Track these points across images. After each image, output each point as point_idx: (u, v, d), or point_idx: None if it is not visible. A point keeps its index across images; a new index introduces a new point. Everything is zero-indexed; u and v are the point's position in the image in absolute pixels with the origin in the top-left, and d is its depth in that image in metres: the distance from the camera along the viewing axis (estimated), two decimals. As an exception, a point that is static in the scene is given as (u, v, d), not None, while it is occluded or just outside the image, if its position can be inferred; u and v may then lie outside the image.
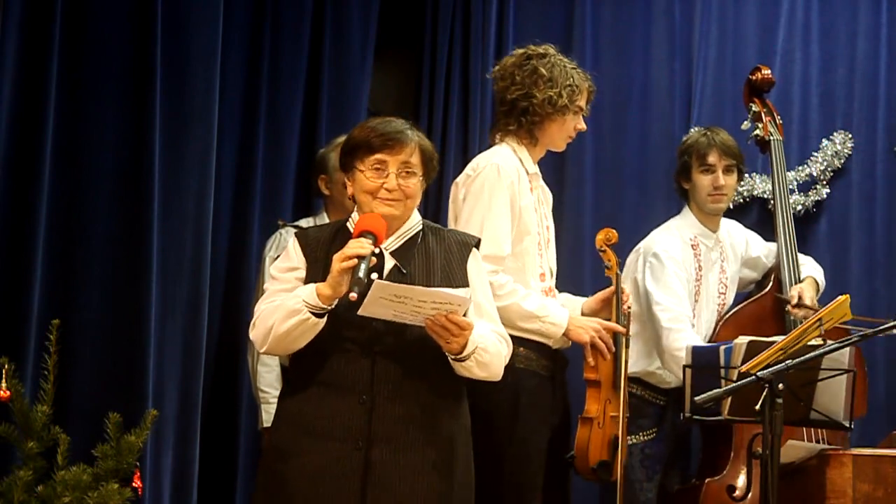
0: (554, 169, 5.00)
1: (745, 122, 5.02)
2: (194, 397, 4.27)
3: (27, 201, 3.86)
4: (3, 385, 3.48)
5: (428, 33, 5.38)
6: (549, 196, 4.25)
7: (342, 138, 4.65)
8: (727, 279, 4.76)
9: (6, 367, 3.49)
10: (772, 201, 5.00)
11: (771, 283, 4.79)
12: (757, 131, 4.97)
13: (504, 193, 3.95)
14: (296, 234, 3.48)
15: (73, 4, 4.02)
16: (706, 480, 4.51)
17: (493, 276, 3.80)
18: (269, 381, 4.48)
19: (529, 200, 4.04)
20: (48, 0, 3.91)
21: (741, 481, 4.47)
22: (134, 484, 3.57)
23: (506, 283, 3.89)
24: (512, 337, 3.59)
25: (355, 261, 3.14)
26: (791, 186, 5.26)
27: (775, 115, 5.00)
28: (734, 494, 4.46)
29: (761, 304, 4.74)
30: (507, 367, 3.50)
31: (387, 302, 3.13)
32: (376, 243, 3.23)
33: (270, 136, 4.89)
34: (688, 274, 4.64)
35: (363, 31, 5.18)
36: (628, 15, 5.47)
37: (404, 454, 3.23)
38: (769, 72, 5.05)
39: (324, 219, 4.65)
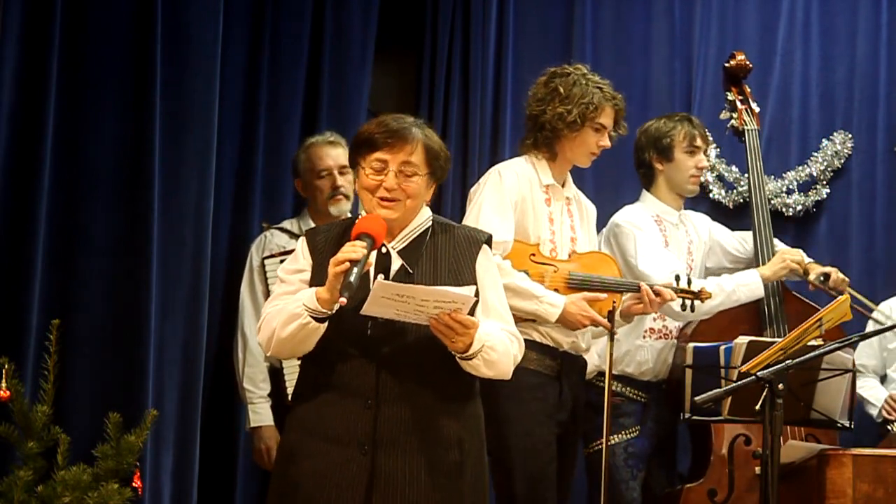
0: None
1: (723, 112, 5.02)
2: (194, 397, 4.27)
3: (27, 201, 3.86)
4: (3, 385, 3.48)
5: (428, 32, 5.38)
6: (589, 211, 4.32)
7: (312, 139, 4.68)
8: (692, 262, 4.74)
9: (6, 367, 3.49)
10: (747, 191, 5.00)
11: None
12: (732, 121, 4.98)
13: (502, 191, 4.03)
14: (305, 233, 3.41)
15: (73, 4, 4.02)
16: (685, 486, 4.51)
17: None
18: (255, 381, 4.48)
19: (543, 210, 4.10)
20: (48, 0, 3.91)
21: (722, 484, 4.46)
22: (134, 484, 3.57)
23: (505, 264, 3.92)
24: None
25: (348, 265, 3.07)
26: (791, 186, 5.27)
27: (751, 102, 4.98)
28: (716, 498, 4.45)
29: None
30: None
31: (389, 301, 3.08)
32: (374, 245, 3.15)
33: (270, 136, 4.89)
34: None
35: (363, 30, 5.18)
36: (628, 15, 5.48)
37: (411, 458, 3.17)
38: (743, 57, 5.04)
39: (307, 220, 4.65)
